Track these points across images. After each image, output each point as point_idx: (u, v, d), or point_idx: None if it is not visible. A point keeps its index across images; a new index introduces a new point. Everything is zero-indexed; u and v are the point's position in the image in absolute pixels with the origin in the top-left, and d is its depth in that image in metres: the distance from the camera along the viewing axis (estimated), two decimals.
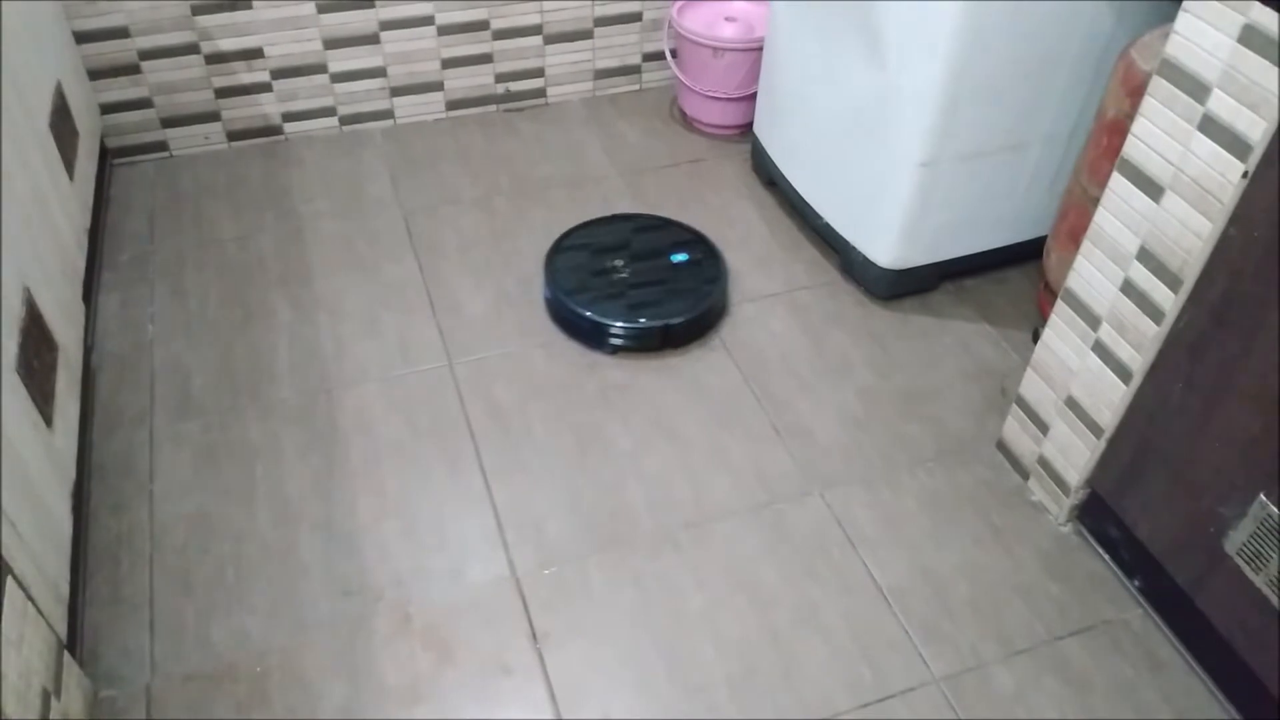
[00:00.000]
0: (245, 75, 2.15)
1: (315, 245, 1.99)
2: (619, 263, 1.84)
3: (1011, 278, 1.96)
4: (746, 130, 2.26)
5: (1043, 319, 1.53)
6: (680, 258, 1.88)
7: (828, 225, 1.93)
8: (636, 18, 2.35)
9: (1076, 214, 1.59)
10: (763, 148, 2.12)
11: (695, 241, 1.94)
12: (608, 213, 2.06)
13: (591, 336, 1.78)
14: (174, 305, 1.85)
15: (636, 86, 2.47)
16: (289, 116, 2.24)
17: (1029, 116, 1.68)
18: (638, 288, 1.81)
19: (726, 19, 2.23)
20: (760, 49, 2.11)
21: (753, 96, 2.18)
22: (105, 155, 2.14)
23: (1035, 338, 1.64)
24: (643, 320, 1.74)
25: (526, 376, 1.74)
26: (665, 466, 1.61)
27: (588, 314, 1.76)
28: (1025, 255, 1.92)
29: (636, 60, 2.42)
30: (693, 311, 1.79)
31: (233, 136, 2.22)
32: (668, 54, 2.29)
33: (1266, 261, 1.11)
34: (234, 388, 1.70)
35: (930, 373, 1.78)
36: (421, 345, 1.79)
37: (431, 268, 1.95)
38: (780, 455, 1.63)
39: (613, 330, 1.75)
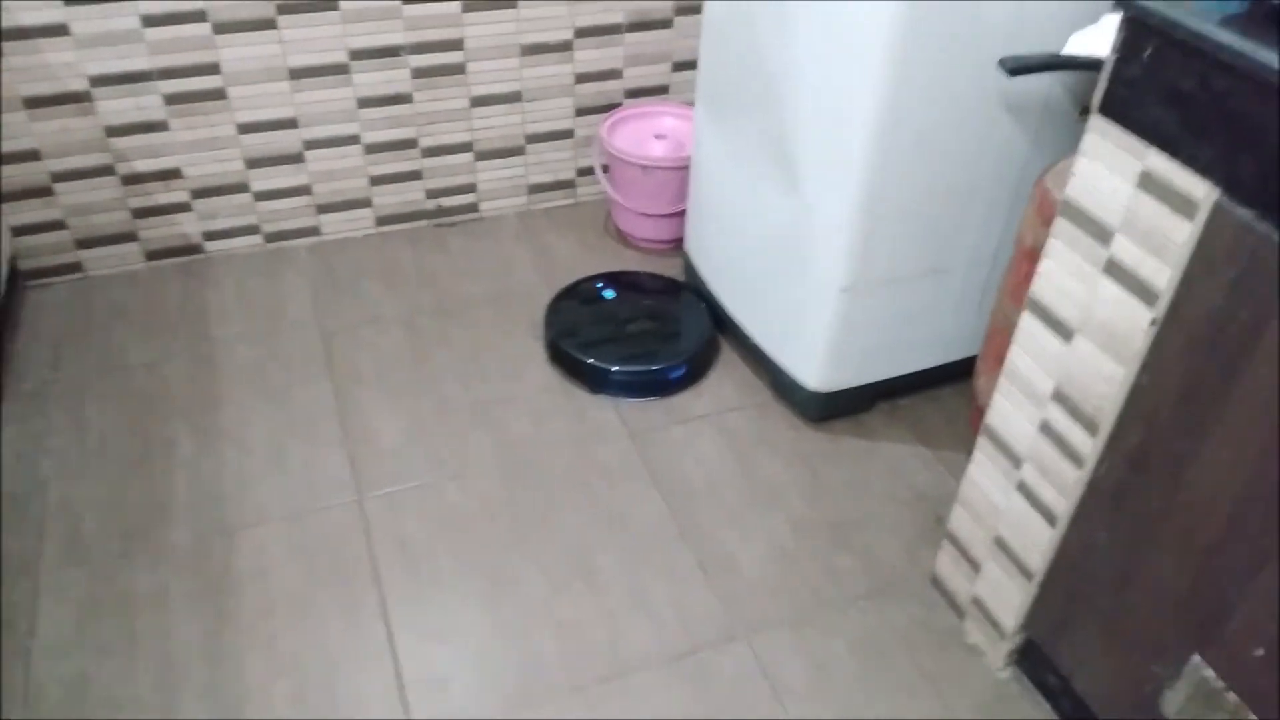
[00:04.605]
0: (163, 196, 2.10)
1: (226, 371, 1.91)
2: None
3: (945, 396, 1.91)
4: (679, 245, 2.22)
5: (975, 439, 1.48)
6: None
7: (757, 345, 1.88)
8: (568, 134, 2.33)
9: (1002, 338, 1.54)
10: (693, 265, 2.08)
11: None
12: (535, 331, 2.01)
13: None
14: (72, 439, 1.76)
15: (572, 201, 2.44)
16: (210, 235, 2.18)
17: (949, 241, 1.65)
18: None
19: (656, 136, 2.22)
20: (689, 167, 2.09)
21: (684, 212, 2.15)
22: (17, 277, 2.06)
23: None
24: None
25: (439, 511, 1.65)
26: (581, 611, 1.51)
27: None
28: (958, 374, 1.88)
29: (570, 175, 2.40)
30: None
31: (151, 256, 2.16)
32: (598, 170, 2.27)
33: (1182, 413, 1.06)
34: (125, 531, 1.60)
35: (862, 499, 1.71)
36: (329, 479, 1.70)
37: (346, 393, 1.87)
38: (705, 595, 1.54)
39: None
